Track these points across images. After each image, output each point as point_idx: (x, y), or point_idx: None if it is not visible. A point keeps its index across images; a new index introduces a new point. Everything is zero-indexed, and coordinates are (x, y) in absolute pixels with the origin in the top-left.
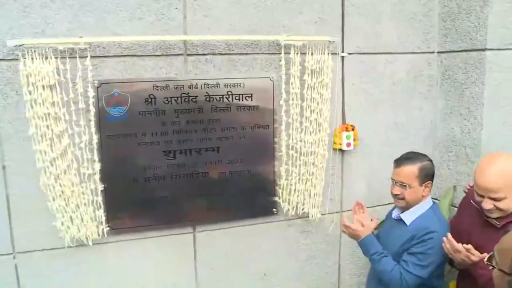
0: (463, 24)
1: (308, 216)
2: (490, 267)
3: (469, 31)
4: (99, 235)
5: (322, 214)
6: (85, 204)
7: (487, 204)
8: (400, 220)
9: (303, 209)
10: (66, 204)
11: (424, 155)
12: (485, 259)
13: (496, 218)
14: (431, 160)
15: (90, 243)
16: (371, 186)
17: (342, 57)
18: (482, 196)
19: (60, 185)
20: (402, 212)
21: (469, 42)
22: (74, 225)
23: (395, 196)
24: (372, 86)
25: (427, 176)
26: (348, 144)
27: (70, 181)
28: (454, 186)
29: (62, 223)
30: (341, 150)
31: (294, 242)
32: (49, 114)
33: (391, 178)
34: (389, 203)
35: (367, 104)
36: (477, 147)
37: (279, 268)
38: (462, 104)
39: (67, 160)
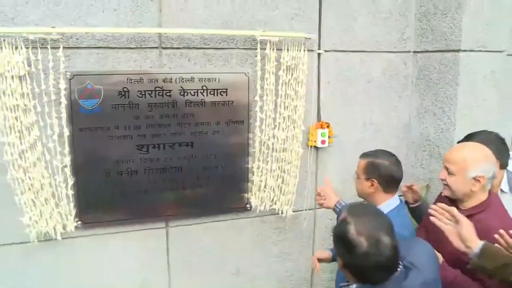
0: (439, 25)
1: (279, 213)
2: None
3: (444, 32)
4: (70, 229)
5: (294, 211)
6: (55, 197)
7: (441, 174)
8: None
9: (271, 206)
10: (35, 198)
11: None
12: None
13: (457, 202)
14: (394, 161)
15: (59, 237)
16: (345, 184)
17: (319, 54)
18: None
19: (29, 178)
20: None
21: (444, 43)
22: (43, 219)
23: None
24: (347, 84)
25: (374, 171)
26: (323, 142)
27: (41, 173)
28: (427, 185)
29: (30, 218)
30: (315, 147)
31: (267, 238)
32: (18, 105)
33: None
34: (363, 200)
35: (342, 102)
36: (449, 146)
37: (253, 264)
38: (436, 104)
39: (37, 153)
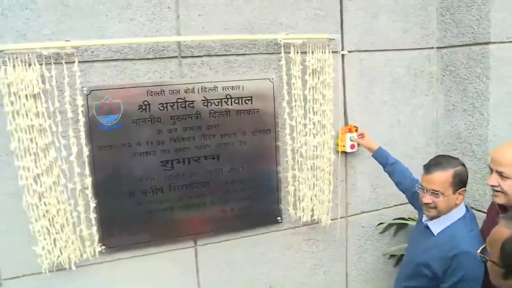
0: (464, 17)
1: (318, 223)
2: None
3: (470, 25)
4: (92, 255)
5: (332, 220)
6: (73, 223)
7: (492, 180)
8: (428, 228)
9: (312, 216)
10: (50, 225)
11: (456, 159)
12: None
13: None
14: (463, 164)
15: (74, 267)
16: (376, 189)
17: (343, 55)
18: (492, 171)
19: (44, 203)
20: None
21: (470, 36)
22: (56, 248)
23: (426, 205)
24: (372, 85)
25: (461, 182)
26: (352, 146)
27: (56, 198)
28: None
29: (43, 247)
30: (344, 153)
31: (299, 251)
32: (33, 126)
33: (420, 185)
34: (394, 205)
35: (368, 104)
36: (483, 144)
37: (285, 279)
38: (466, 100)
39: (53, 176)
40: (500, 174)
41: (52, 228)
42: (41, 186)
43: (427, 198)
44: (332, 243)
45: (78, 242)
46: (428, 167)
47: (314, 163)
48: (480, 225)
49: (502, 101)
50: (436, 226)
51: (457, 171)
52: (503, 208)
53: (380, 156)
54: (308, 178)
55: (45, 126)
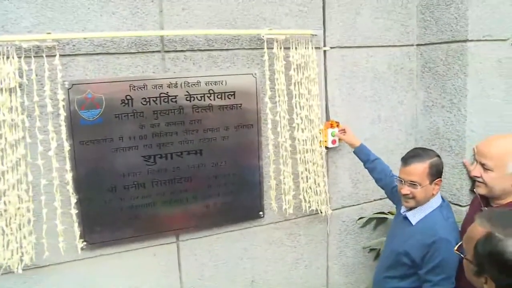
0: (443, 15)
1: (300, 217)
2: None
3: (449, 23)
4: (74, 251)
5: (308, 215)
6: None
7: (476, 171)
8: (406, 218)
9: (310, 207)
10: (6, 225)
11: (431, 150)
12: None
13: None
14: (439, 156)
15: (20, 271)
16: (357, 184)
17: (325, 51)
18: (476, 163)
19: (4, 203)
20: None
21: (449, 34)
22: (8, 250)
23: (404, 196)
24: (354, 81)
25: (437, 172)
26: (334, 141)
27: (18, 197)
28: None
29: None
30: (326, 148)
31: (281, 245)
32: (4, 121)
33: (399, 177)
34: (374, 200)
35: (350, 99)
36: (460, 139)
37: (267, 273)
38: (444, 96)
39: (19, 174)
40: (483, 165)
41: (7, 229)
42: (4, 184)
43: (405, 189)
44: (314, 238)
45: (58, 238)
46: (406, 159)
47: (305, 157)
48: (462, 218)
49: (479, 97)
50: (414, 216)
51: (434, 162)
52: (485, 199)
53: (362, 153)
54: (292, 173)
55: (17, 121)
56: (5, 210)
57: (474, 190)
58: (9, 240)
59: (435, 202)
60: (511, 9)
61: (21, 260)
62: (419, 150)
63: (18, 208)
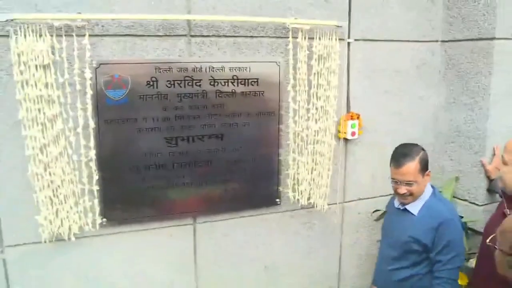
0: (470, 12)
1: (314, 207)
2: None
3: (476, 20)
4: (93, 227)
5: (329, 205)
6: (77, 194)
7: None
8: (406, 210)
9: (309, 199)
10: (53, 195)
11: (416, 145)
12: (488, 240)
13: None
14: (423, 148)
15: (73, 238)
16: (374, 176)
17: (349, 43)
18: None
19: (49, 173)
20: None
21: (476, 31)
22: (58, 218)
23: (402, 195)
24: (376, 74)
25: (426, 165)
26: (353, 133)
27: (61, 169)
28: (456, 177)
29: (45, 217)
30: (345, 139)
31: (296, 233)
32: (41, 96)
33: (393, 178)
34: (390, 194)
35: (371, 93)
36: (481, 138)
37: (281, 260)
38: (467, 94)
39: (60, 147)
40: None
41: (55, 199)
42: (47, 156)
43: (403, 189)
44: (328, 228)
45: (81, 213)
46: (397, 160)
47: (314, 148)
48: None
49: (503, 97)
50: (415, 208)
51: (422, 156)
52: (510, 199)
53: None
54: (307, 163)
55: (54, 97)
56: (51, 181)
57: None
58: (58, 209)
59: (428, 190)
60: None
61: (70, 229)
62: (406, 148)
63: (63, 180)
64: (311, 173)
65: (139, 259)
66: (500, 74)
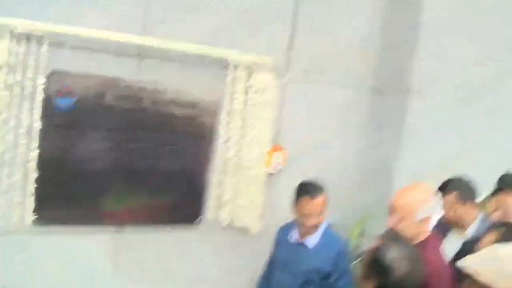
0: (394, 64)
1: (236, 228)
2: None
3: (398, 73)
4: (25, 223)
5: (252, 227)
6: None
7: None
8: (301, 244)
9: (232, 220)
10: None
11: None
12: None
13: None
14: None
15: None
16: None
17: (284, 80)
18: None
19: None
20: (302, 236)
21: (398, 83)
22: None
23: (314, 226)
24: (309, 112)
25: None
26: (278, 164)
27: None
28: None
29: None
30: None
31: (217, 252)
32: None
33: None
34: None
35: (301, 128)
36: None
37: (204, 277)
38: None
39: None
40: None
41: None
42: None
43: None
44: (250, 248)
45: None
46: (310, 192)
47: (243, 173)
48: None
49: (413, 139)
50: (311, 241)
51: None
52: None
53: None
54: (234, 186)
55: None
56: None
57: None
58: None
59: (324, 223)
60: None
61: None
62: (312, 185)
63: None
64: (237, 196)
65: (67, 259)
66: (412, 122)
